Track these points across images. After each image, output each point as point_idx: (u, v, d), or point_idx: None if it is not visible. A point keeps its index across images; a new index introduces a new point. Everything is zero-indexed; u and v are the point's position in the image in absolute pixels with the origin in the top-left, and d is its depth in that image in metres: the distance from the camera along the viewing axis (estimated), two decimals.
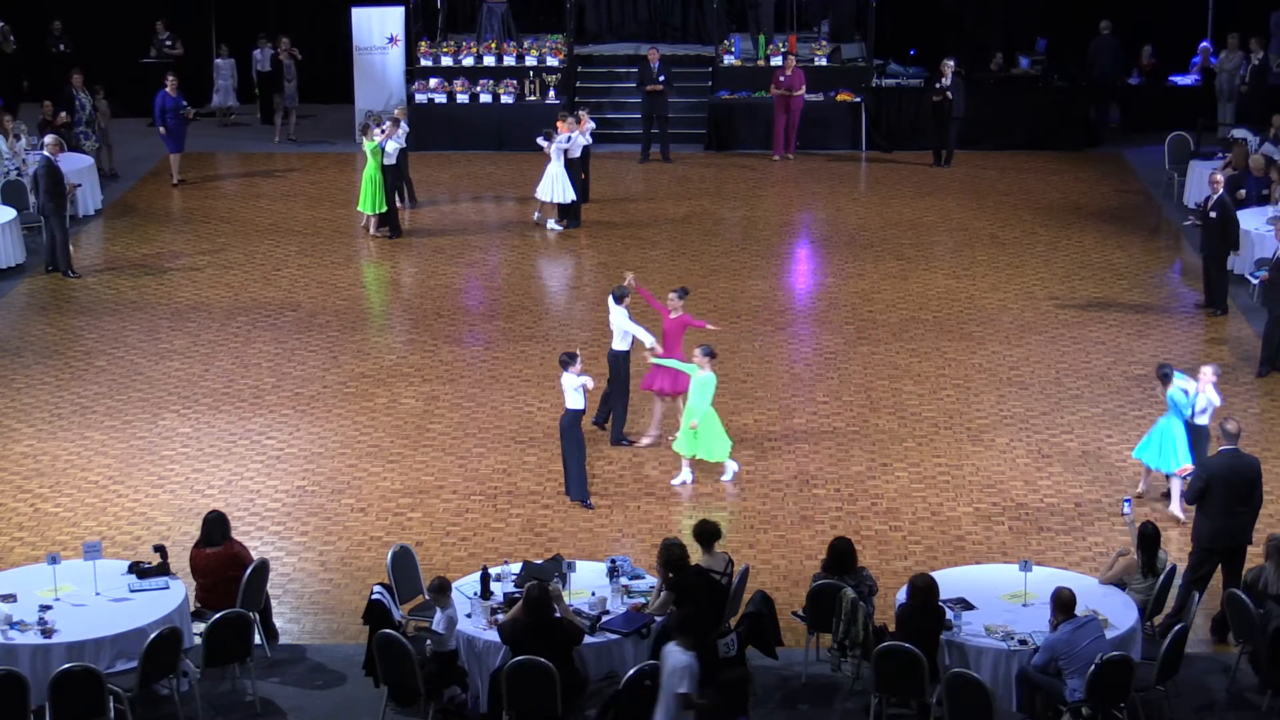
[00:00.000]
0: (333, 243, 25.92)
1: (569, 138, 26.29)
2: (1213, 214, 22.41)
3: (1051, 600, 13.24)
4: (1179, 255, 25.34)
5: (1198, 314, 22.75)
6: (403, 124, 26.60)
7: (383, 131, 25.77)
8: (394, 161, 26.10)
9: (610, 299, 18.64)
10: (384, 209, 26.01)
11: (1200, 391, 16.82)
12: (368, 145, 25.77)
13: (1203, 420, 16.80)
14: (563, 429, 17.30)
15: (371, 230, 26.15)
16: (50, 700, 12.81)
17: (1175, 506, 16.93)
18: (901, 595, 13.87)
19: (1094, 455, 18.48)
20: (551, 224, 26.49)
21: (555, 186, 26.27)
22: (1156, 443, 17.02)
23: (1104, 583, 14.32)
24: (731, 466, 17.82)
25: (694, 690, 12.44)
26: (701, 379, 17.35)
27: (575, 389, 16.98)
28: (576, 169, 26.59)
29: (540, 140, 26.62)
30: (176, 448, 18.73)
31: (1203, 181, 26.88)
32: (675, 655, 12.48)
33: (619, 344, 18.52)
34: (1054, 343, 21.77)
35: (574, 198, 26.40)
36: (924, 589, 13.34)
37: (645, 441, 18.65)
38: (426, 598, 13.95)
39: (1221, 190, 22.41)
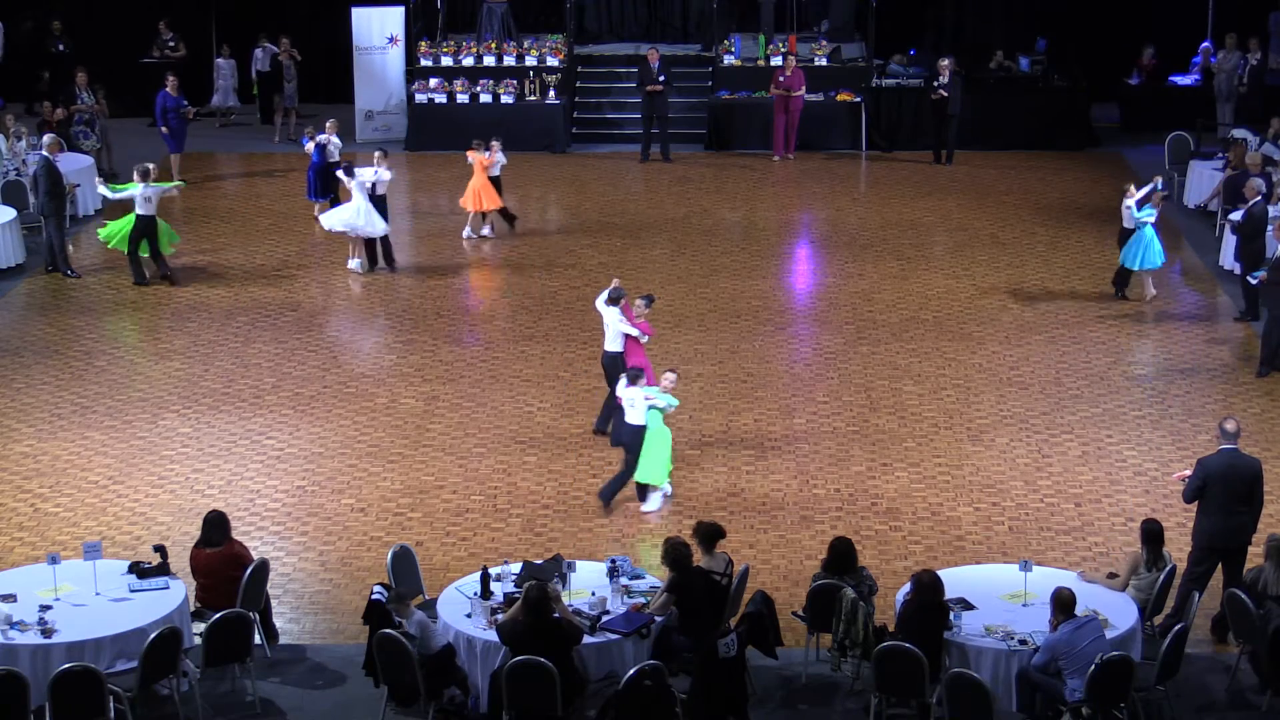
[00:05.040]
0: (332, 242, 25.90)
1: (376, 172, 24.90)
2: (1240, 219, 22.44)
3: (1051, 600, 13.24)
4: (1179, 255, 25.33)
5: (1198, 314, 22.77)
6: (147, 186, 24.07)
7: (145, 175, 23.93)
8: (149, 211, 23.77)
9: (602, 301, 18.68)
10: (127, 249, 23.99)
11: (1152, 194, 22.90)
12: (132, 188, 23.96)
13: (1134, 222, 22.88)
14: (626, 445, 17.30)
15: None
16: (50, 700, 12.80)
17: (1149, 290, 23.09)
18: (902, 593, 13.88)
19: (1094, 455, 18.47)
20: (355, 264, 24.61)
21: (362, 219, 24.23)
22: (1142, 248, 22.70)
23: (1122, 589, 14.24)
24: (656, 498, 17.37)
25: None
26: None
27: (632, 403, 17.00)
28: (381, 205, 24.74)
29: (340, 173, 24.75)
30: (176, 448, 18.73)
31: (1202, 181, 26.95)
32: None
33: (612, 345, 18.55)
34: (1054, 343, 21.77)
35: (383, 230, 24.50)
36: (929, 586, 13.33)
37: None
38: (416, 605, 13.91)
39: (1259, 198, 22.25)
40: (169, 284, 23.96)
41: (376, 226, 24.39)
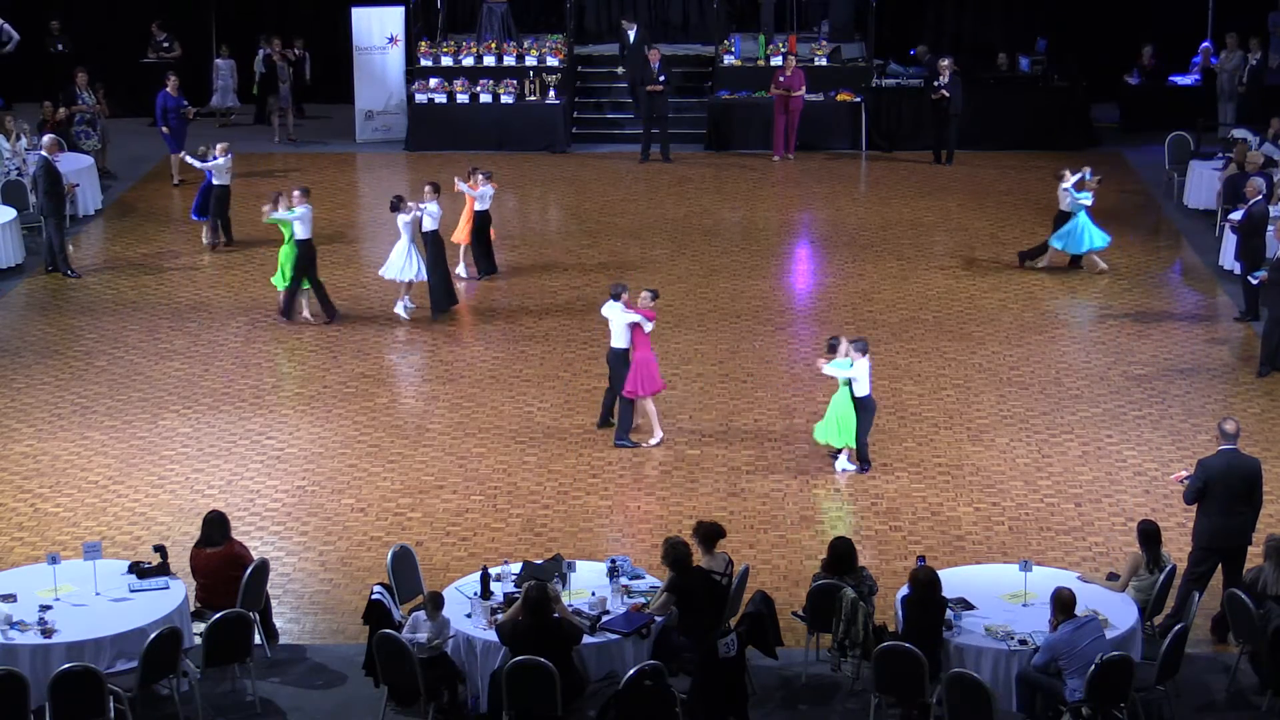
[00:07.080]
0: (332, 243, 25.90)
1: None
2: (1241, 219, 22.45)
3: (1051, 600, 13.24)
4: (1179, 255, 25.35)
5: (1198, 314, 22.77)
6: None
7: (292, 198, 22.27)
8: (307, 235, 22.07)
9: (607, 305, 18.70)
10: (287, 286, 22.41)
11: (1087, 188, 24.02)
12: (293, 212, 22.00)
13: (1071, 205, 24.09)
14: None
15: (305, 313, 22.49)
16: (50, 700, 12.81)
17: (1098, 261, 24.18)
18: (901, 594, 13.88)
19: (1094, 455, 18.47)
20: (403, 305, 22.65)
21: (407, 263, 22.35)
22: (1080, 232, 23.99)
23: (1123, 590, 14.25)
24: (842, 459, 18.08)
25: None
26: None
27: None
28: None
29: (397, 213, 22.33)
30: (176, 448, 18.73)
31: (1202, 181, 26.95)
32: None
33: (618, 342, 18.55)
34: (1054, 343, 21.77)
35: (415, 275, 22.44)
36: (926, 582, 13.34)
37: (653, 441, 18.67)
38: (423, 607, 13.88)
39: (1259, 197, 22.23)
40: (325, 321, 22.32)
41: (406, 270, 22.35)
